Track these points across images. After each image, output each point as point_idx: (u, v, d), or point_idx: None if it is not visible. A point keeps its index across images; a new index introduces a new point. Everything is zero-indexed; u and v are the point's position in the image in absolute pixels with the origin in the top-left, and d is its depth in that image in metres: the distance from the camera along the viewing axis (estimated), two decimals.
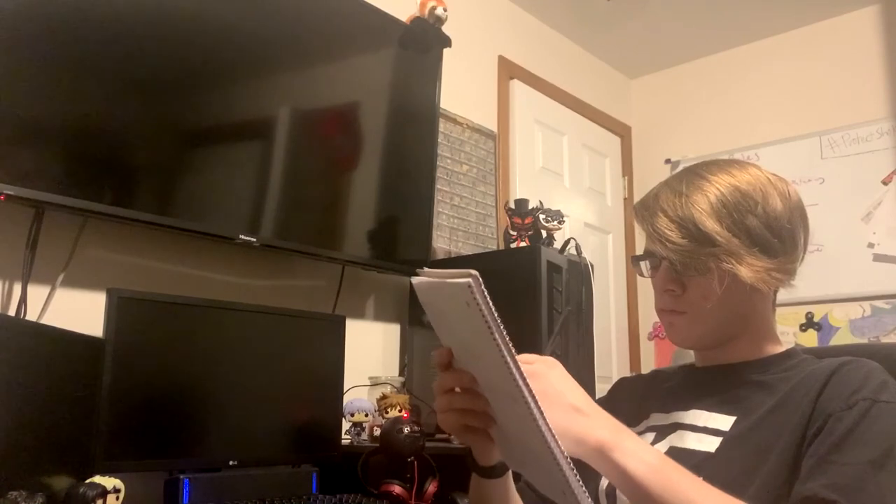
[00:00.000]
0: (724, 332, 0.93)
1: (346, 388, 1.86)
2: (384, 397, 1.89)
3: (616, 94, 3.73)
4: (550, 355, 0.81)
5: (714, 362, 0.96)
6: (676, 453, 0.87)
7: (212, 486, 1.51)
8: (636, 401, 1.01)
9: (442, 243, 2.54)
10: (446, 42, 2.38)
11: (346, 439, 1.88)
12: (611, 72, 3.73)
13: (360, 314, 2.27)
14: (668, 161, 3.60)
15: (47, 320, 1.53)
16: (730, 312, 0.90)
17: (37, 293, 1.56)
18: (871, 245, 2.99)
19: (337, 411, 1.82)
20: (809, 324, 3.06)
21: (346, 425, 1.89)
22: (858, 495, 0.72)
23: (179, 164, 1.70)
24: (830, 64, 3.20)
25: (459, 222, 2.65)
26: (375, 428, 1.84)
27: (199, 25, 1.74)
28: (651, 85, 3.79)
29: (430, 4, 2.31)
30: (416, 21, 2.30)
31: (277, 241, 1.86)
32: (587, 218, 3.35)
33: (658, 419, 0.95)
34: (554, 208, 2.15)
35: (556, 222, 2.11)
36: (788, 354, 0.93)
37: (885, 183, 3.00)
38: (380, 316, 2.33)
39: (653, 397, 1.00)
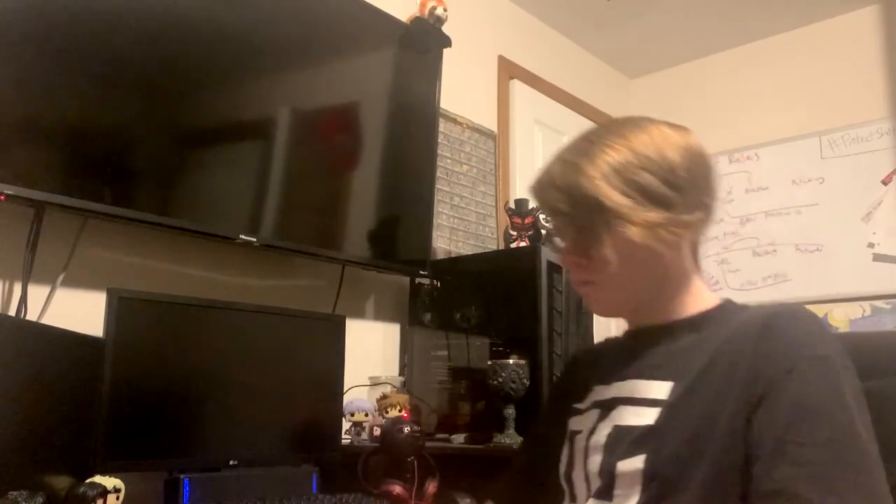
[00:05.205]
0: (643, 295, 0.90)
1: (346, 388, 1.86)
2: (384, 397, 1.89)
3: (616, 94, 3.73)
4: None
5: (645, 325, 0.93)
6: (620, 432, 0.85)
7: (212, 486, 1.51)
8: (584, 375, 0.99)
9: (442, 243, 2.54)
10: (446, 42, 2.38)
11: (346, 439, 1.88)
12: (611, 72, 3.73)
13: (360, 314, 2.26)
14: None
15: (47, 320, 1.53)
16: (643, 274, 0.88)
17: (37, 293, 1.56)
18: (871, 245, 2.99)
19: (337, 411, 1.82)
20: None
21: (346, 425, 1.89)
22: (833, 484, 0.70)
23: (179, 164, 1.70)
24: (830, 64, 3.20)
25: (459, 222, 2.65)
26: (375, 428, 1.84)
27: (199, 25, 1.74)
28: (651, 85, 3.79)
29: (430, 4, 2.31)
30: (416, 21, 2.30)
31: (277, 241, 1.86)
32: None
33: (600, 392, 0.92)
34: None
35: None
36: (720, 308, 0.90)
37: (885, 183, 3.00)
38: (380, 316, 2.33)
39: (596, 368, 0.97)
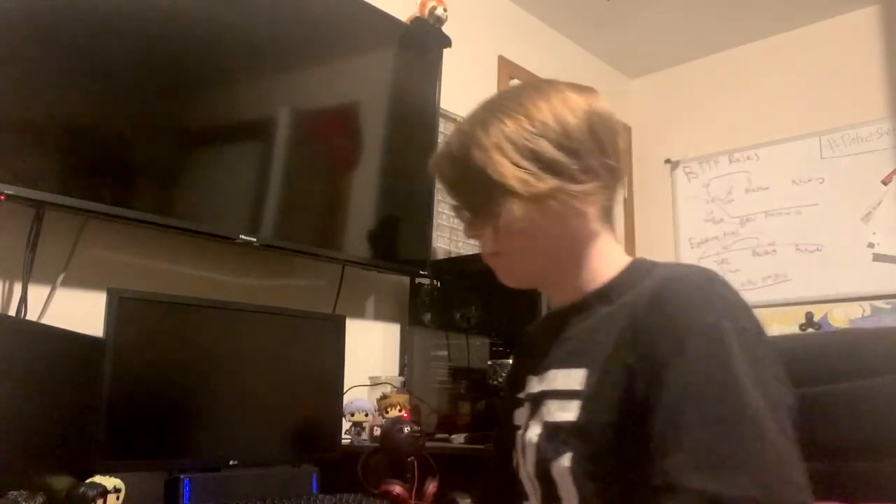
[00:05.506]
0: (549, 265, 0.87)
1: (346, 388, 1.86)
2: (384, 397, 1.89)
3: (616, 94, 3.73)
4: None
5: (564, 302, 0.89)
6: (550, 429, 0.81)
7: (212, 486, 1.51)
8: (524, 361, 0.96)
9: (442, 243, 2.54)
10: (446, 42, 2.38)
11: (346, 439, 1.88)
12: (611, 72, 3.73)
13: (360, 314, 2.26)
14: (667, 161, 3.60)
15: (47, 320, 1.53)
16: (543, 244, 0.85)
17: (37, 293, 1.56)
18: (871, 245, 2.99)
19: (337, 411, 1.82)
20: (809, 324, 3.06)
21: (346, 425, 1.89)
22: (722, 467, 0.65)
23: (179, 164, 1.70)
24: (830, 64, 3.20)
25: (459, 222, 2.64)
26: (375, 428, 1.84)
27: (199, 25, 1.74)
28: (651, 85, 3.78)
29: (430, 4, 2.31)
30: (416, 21, 2.30)
31: (277, 241, 1.86)
32: None
33: (532, 384, 0.89)
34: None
35: None
36: (628, 271, 0.85)
37: (884, 183, 3.00)
38: (380, 316, 2.33)
39: (531, 355, 0.92)
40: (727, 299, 0.74)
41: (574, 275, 0.87)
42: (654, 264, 0.85)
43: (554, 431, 0.80)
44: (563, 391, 0.81)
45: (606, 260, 0.86)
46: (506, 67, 3.01)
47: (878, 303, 2.94)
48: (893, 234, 2.95)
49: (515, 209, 0.81)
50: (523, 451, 0.86)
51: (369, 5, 2.18)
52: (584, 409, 0.78)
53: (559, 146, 0.81)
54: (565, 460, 0.77)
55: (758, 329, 0.74)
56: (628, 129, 3.75)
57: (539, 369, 0.88)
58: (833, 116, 3.15)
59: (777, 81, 3.34)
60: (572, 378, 0.81)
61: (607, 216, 0.88)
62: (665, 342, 0.72)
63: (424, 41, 2.33)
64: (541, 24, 3.28)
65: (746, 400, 0.68)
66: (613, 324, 0.80)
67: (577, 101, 0.84)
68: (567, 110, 0.83)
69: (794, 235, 3.17)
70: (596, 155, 0.83)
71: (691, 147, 3.54)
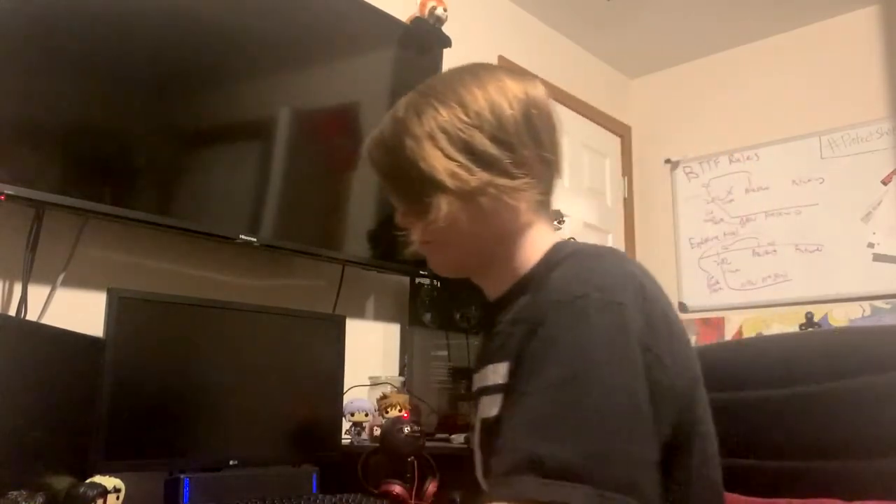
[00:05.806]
0: (480, 257, 0.85)
1: (346, 388, 1.86)
2: (384, 397, 1.89)
3: (616, 94, 3.73)
4: None
5: (497, 293, 0.86)
6: (485, 426, 0.80)
7: (212, 486, 1.51)
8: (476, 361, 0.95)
9: None
10: (446, 42, 2.38)
11: (346, 439, 1.88)
12: (611, 72, 3.73)
13: (360, 314, 2.26)
14: (667, 161, 3.60)
15: (47, 320, 1.53)
16: (475, 237, 0.83)
17: (37, 293, 1.56)
18: (870, 245, 2.99)
19: (337, 411, 1.82)
20: (809, 323, 3.06)
21: (346, 425, 1.89)
22: (552, 430, 0.64)
23: (179, 164, 1.70)
24: (830, 64, 3.20)
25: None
26: (375, 428, 1.84)
27: (199, 25, 1.74)
28: (651, 85, 3.79)
29: (430, 4, 2.31)
30: (416, 21, 2.30)
31: (277, 241, 1.86)
32: (587, 218, 3.35)
33: (475, 382, 0.88)
34: (554, 208, 2.15)
35: (555, 222, 2.11)
36: (544, 259, 0.82)
37: (884, 183, 3.00)
38: (380, 316, 2.33)
39: (478, 353, 0.92)
40: (609, 274, 0.72)
41: (505, 266, 0.84)
42: (568, 246, 0.83)
43: (487, 428, 0.79)
44: (491, 386, 0.80)
45: (534, 249, 0.84)
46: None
47: (878, 303, 2.94)
48: (893, 234, 2.95)
49: (444, 205, 0.79)
50: (473, 451, 0.86)
51: (369, 5, 2.18)
52: (505, 404, 0.76)
53: (493, 139, 0.79)
54: None
55: (643, 306, 0.71)
56: (628, 129, 3.75)
57: (478, 366, 0.86)
58: (833, 116, 3.15)
59: (777, 81, 3.34)
60: (498, 373, 0.79)
61: (543, 207, 0.87)
62: (536, 315, 0.72)
63: (424, 41, 2.33)
64: (541, 24, 3.28)
65: (590, 369, 0.66)
66: (527, 312, 0.77)
67: (514, 90, 0.82)
68: (503, 100, 0.81)
69: (794, 235, 3.17)
70: (531, 147, 0.81)
71: (691, 147, 3.54)
